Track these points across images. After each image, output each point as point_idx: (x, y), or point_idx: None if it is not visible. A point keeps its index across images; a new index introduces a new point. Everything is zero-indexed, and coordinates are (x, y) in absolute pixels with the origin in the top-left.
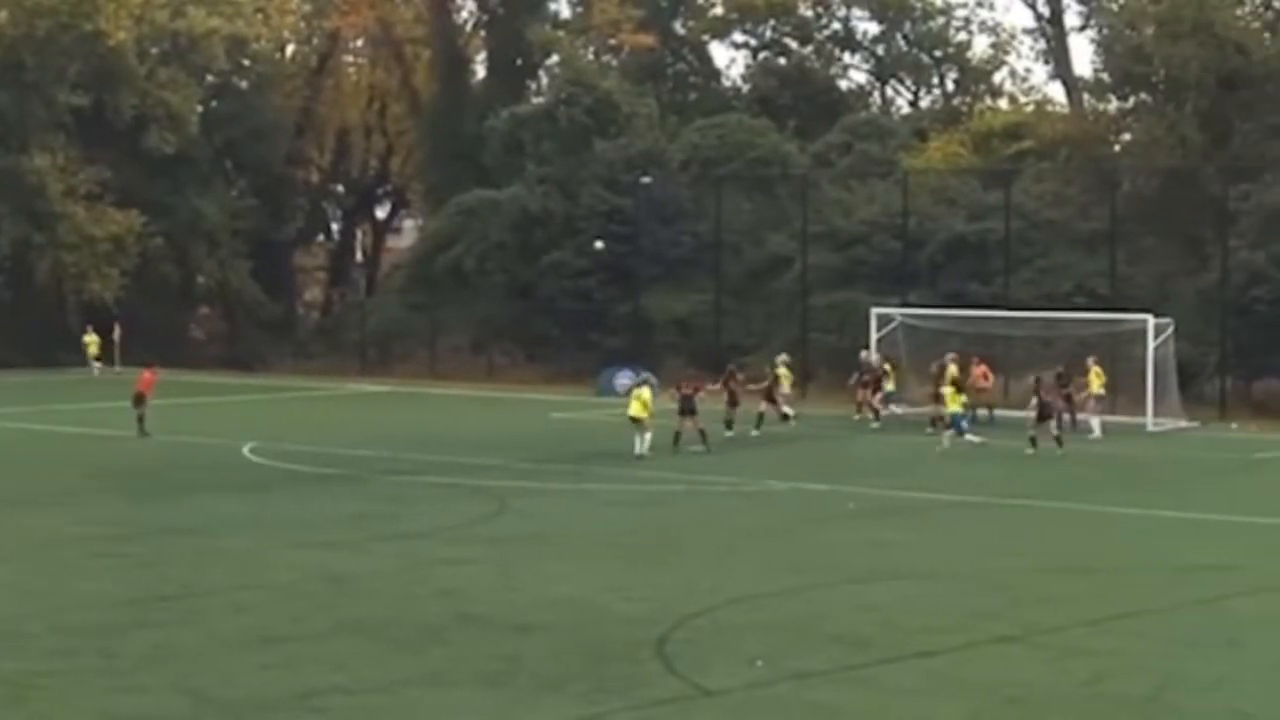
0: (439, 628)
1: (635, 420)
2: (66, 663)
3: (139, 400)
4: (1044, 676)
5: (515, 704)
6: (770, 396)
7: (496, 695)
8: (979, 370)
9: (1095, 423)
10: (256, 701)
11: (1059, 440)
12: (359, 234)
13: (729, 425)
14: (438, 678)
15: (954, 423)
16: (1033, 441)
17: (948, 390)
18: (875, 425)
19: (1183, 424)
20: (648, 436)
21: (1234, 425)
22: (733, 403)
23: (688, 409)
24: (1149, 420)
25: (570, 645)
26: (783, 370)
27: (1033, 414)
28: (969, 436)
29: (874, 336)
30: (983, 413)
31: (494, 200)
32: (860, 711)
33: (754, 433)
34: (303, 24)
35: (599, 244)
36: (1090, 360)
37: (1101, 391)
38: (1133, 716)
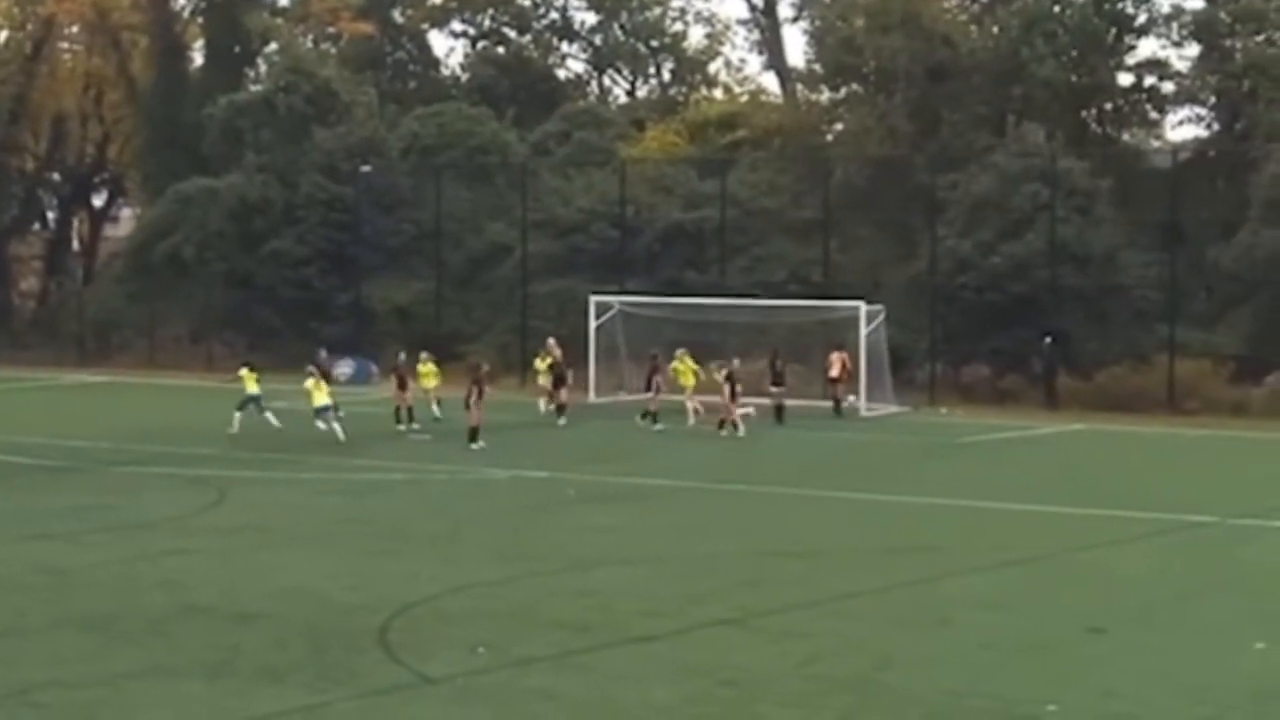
0: (160, 619)
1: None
2: None
3: None
4: (761, 658)
5: (237, 694)
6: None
7: (218, 686)
8: (835, 358)
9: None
10: None
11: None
12: (75, 222)
13: (652, 416)
14: (159, 669)
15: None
16: (727, 425)
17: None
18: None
19: (894, 408)
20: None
21: (943, 410)
22: (654, 390)
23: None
24: (862, 405)
25: (292, 634)
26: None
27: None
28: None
29: (592, 324)
30: (846, 403)
31: (212, 189)
32: (580, 696)
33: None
34: (16, 9)
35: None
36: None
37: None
38: (848, 696)
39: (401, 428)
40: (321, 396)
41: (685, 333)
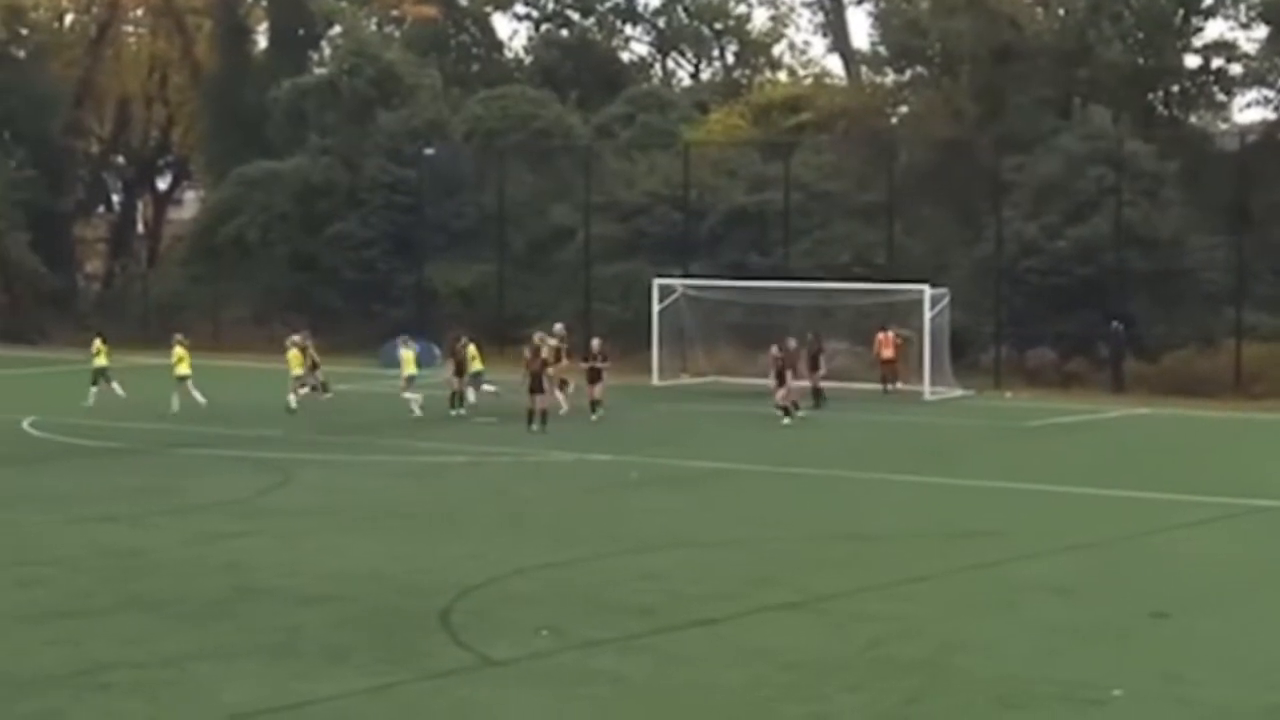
0: (224, 601)
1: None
2: None
3: None
4: (825, 642)
5: (300, 676)
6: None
7: (281, 667)
8: (882, 338)
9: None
10: (41, 678)
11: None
12: (140, 205)
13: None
14: (223, 651)
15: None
16: (786, 411)
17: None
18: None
19: (958, 393)
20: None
21: (1008, 394)
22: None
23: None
24: (925, 389)
25: (355, 617)
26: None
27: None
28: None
29: (656, 307)
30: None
31: (276, 171)
32: (643, 679)
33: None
34: None
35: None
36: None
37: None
38: (912, 680)
39: (454, 413)
40: (297, 368)
41: (748, 316)
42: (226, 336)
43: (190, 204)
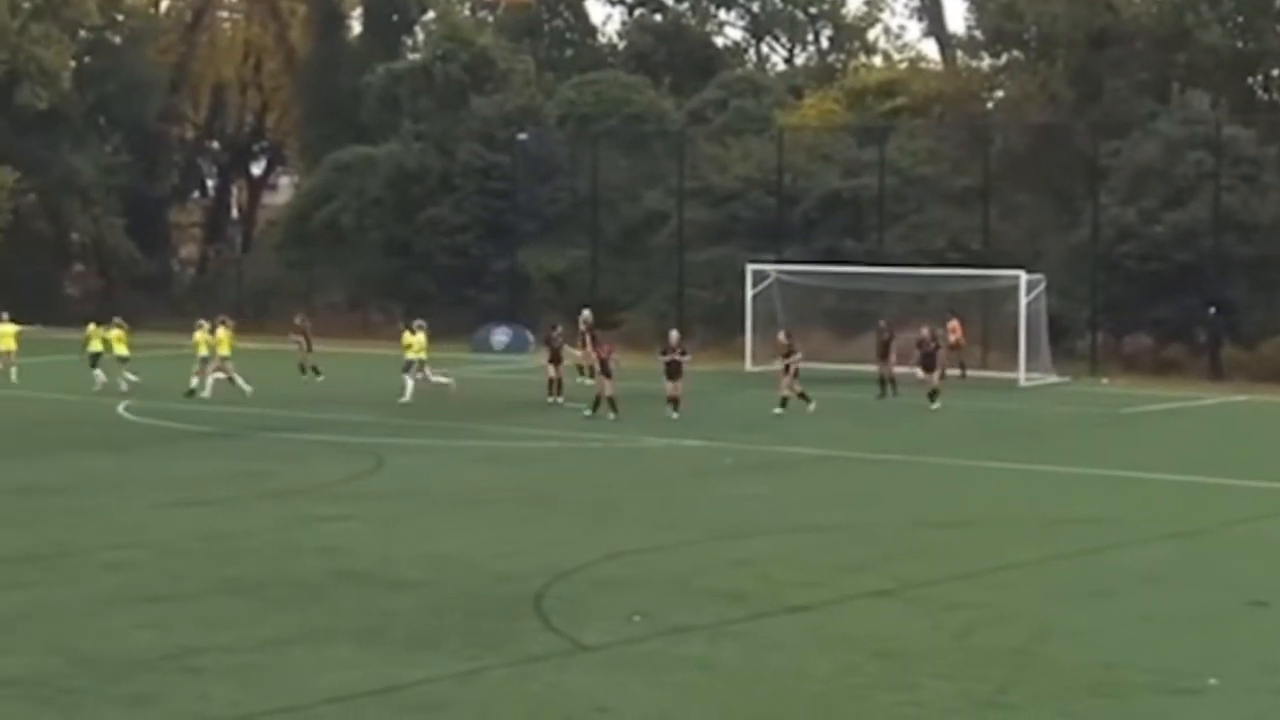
0: (316, 585)
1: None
2: None
3: None
4: (916, 629)
5: (391, 660)
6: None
7: (373, 651)
8: (951, 325)
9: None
10: (132, 661)
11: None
12: (234, 191)
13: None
14: (314, 635)
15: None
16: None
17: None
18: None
19: (1053, 379)
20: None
21: (1104, 380)
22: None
23: (605, 371)
24: (1021, 375)
25: (447, 601)
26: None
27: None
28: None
29: (749, 292)
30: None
31: (370, 157)
32: (735, 666)
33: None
34: None
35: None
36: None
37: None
38: (1004, 668)
39: (550, 401)
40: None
41: (842, 302)
42: (320, 322)
43: (284, 189)
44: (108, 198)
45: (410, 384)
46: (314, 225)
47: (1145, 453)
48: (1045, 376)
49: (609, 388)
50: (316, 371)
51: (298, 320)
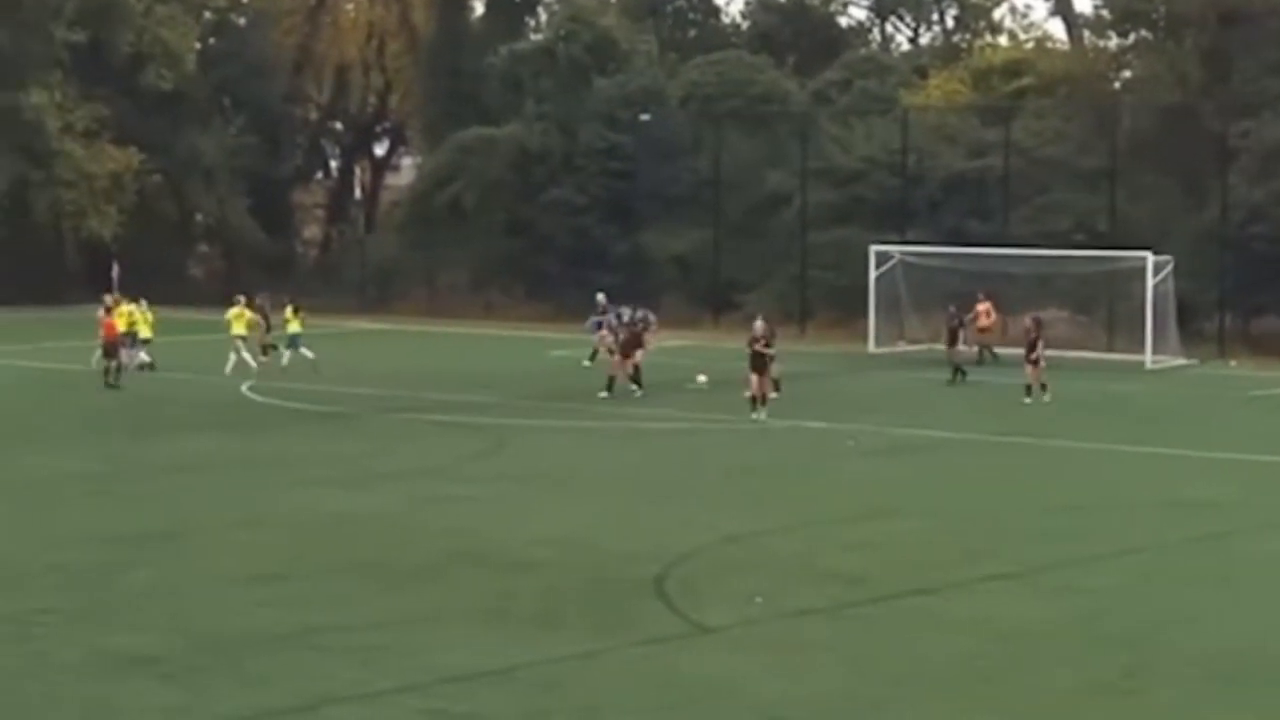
0: (437, 565)
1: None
2: (65, 601)
3: (110, 350)
4: (1040, 614)
5: (514, 640)
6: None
7: (494, 632)
8: (981, 308)
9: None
10: (254, 639)
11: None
12: (357, 171)
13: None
14: (436, 614)
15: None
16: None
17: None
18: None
19: (1181, 361)
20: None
21: (1232, 363)
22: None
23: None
24: (1148, 358)
25: (568, 583)
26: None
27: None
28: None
29: (873, 274)
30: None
31: (493, 137)
32: (856, 649)
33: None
34: None
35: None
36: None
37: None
38: (1128, 653)
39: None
40: (239, 327)
41: (966, 283)
42: (441, 302)
43: (407, 170)
44: (231, 179)
45: (233, 358)
46: (436, 206)
47: (1273, 436)
48: (1172, 359)
49: (624, 366)
50: (271, 349)
51: (258, 300)
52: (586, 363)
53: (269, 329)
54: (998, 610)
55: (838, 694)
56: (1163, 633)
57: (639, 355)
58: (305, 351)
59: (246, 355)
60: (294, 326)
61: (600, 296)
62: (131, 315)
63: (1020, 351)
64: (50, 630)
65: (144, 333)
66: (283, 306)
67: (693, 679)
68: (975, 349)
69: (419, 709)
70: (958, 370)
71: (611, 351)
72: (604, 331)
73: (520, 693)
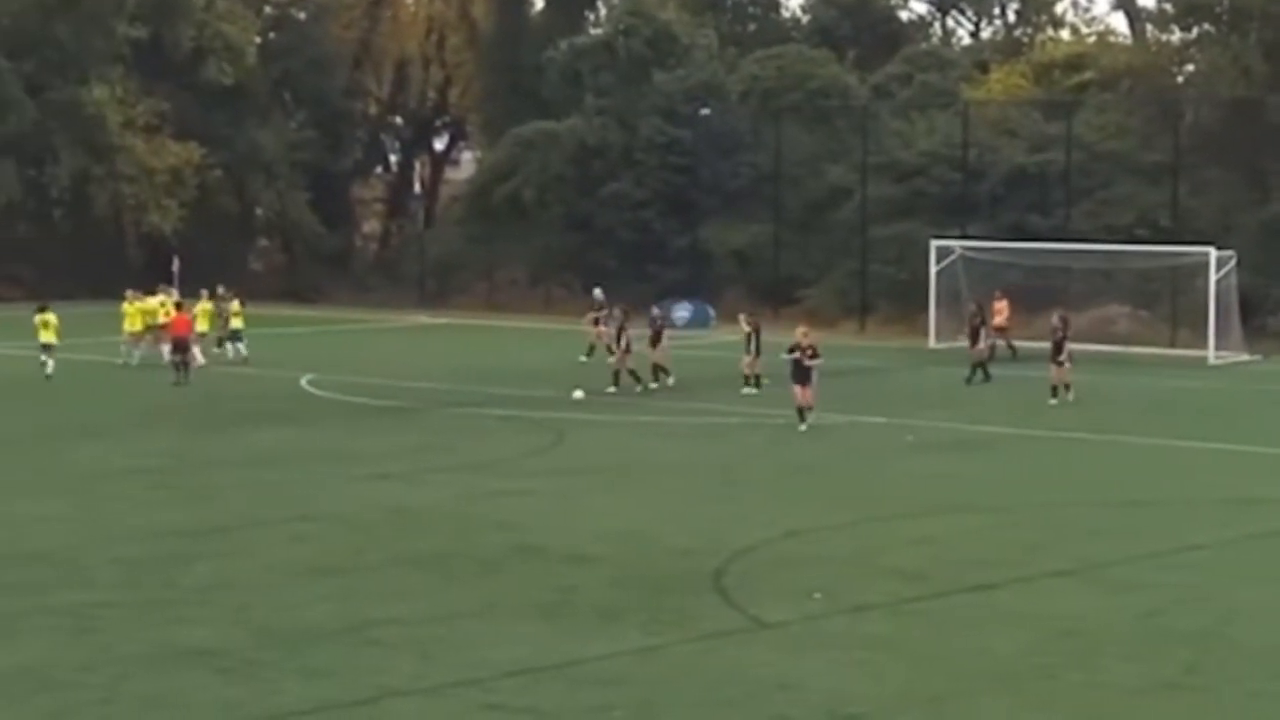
0: (496, 559)
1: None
2: (127, 594)
3: (179, 346)
4: (1101, 609)
5: (572, 635)
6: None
7: (553, 627)
8: (997, 306)
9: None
10: (314, 632)
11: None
12: (417, 166)
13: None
14: (494, 609)
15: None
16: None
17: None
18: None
19: (1244, 357)
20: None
21: None
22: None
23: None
24: (1210, 353)
25: (627, 577)
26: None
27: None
28: None
29: (933, 268)
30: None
31: (552, 132)
32: (916, 645)
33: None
34: None
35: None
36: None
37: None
38: (1190, 650)
39: (654, 385)
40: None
41: (1028, 278)
42: (501, 297)
43: (467, 164)
44: (291, 173)
45: (136, 353)
46: (496, 200)
47: None
48: (1236, 354)
49: (627, 361)
50: (221, 343)
51: (220, 290)
52: (583, 358)
53: (227, 324)
54: (1059, 606)
55: (898, 690)
56: (1225, 629)
57: (657, 353)
58: (241, 347)
59: (196, 350)
60: (236, 322)
61: (597, 292)
62: (209, 311)
63: (1047, 346)
64: (111, 623)
65: (235, 324)
66: (229, 300)
67: (752, 674)
68: (989, 346)
69: (479, 703)
70: (977, 368)
71: (610, 349)
72: (601, 328)
73: (579, 687)
